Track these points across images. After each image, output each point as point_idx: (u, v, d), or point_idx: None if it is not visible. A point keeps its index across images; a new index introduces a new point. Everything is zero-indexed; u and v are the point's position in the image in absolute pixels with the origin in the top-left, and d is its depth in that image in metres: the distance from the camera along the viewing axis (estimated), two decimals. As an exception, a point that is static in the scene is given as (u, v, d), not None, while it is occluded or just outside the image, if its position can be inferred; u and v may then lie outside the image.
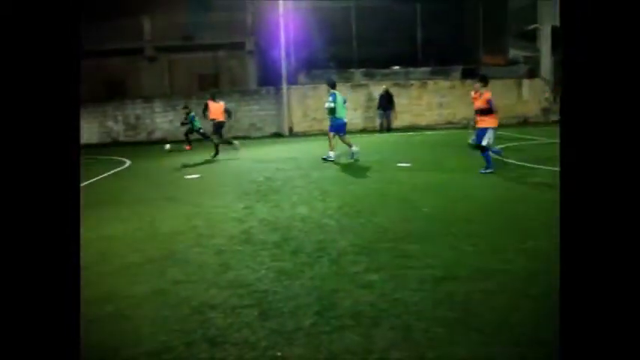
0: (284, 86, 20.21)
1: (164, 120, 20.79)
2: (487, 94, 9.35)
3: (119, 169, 13.08)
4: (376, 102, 21.17)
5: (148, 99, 21.04)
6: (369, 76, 22.15)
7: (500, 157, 10.30)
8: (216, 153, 13.68)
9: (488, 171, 9.29)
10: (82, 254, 5.35)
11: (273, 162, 11.97)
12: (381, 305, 3.68)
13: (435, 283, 4.05)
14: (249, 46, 22.10)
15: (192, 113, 16.26)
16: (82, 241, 5.80)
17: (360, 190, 8.23)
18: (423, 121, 21.70)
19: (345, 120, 11.84)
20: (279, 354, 3.09)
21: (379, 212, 6.57)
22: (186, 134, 16.43)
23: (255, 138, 19.67)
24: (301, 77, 21.77)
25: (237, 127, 20.49)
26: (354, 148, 11.76)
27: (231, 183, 9.48)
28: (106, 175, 11.98)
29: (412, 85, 21.82)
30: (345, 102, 11.87)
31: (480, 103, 9.40)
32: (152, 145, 19.28)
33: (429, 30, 22.51)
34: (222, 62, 22.77)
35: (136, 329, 3.56)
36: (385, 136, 19.38)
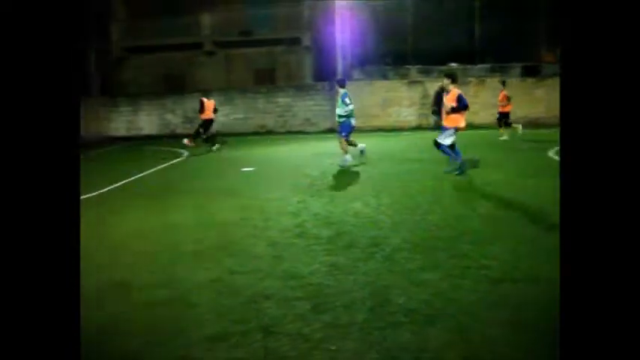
0: (338, 81, 20.23)
1: (220, 114, 21.21)
2: (456, 91, 8.92)
3: (177, 160, 13.51)
4: (431, 99, 20.85)
5: (205, 93, 21.55)
6: (425, 72, 21.81)
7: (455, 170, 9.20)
8: (213, 143, 15.08)
9: (454, 170, 8.97)
10: (143, 241, 5.57)
11: (327, 157, 12.01)
12: (435, 304, 3.65)
13: (490, 285, 3.97)
14: (305, 41, 22.23)
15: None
16: (143, 229, 6.06)
17: (414, 186, 8.14)
18: (476, 120, 21.19)
19: (355, 122, 10.86)
20: (333, 347, 3.11)
21: (434, 210, 6.48)
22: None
23: (309, 133, 19.81)
24: (356, 73, 21.71)
25: (291, 122, 20.70)
26: (348, 157, 10.66)
27: (285, 177, 9.61)
28: (164, 165, 12.40)
29: (470, 82, 21.33)
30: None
31: (448, 101, 8.94)
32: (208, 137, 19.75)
33: (488, 25, 21.91)
34: (279, 57, 23.00)
35: (194, 315, 3.68)
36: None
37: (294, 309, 3.68)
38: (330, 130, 19.60)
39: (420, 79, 21.60)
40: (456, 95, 8.76)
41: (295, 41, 22.16)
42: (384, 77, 21.61)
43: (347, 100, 10.43)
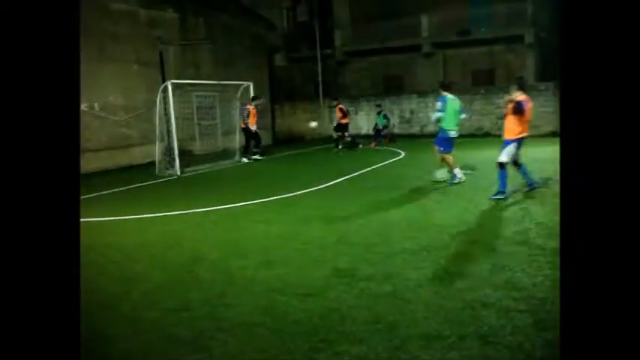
0: (566, 81, 18.48)
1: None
2: (518, 97, 7.41)
3: (395, 159, 13.93)
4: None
5: (422, 94, 21.70)
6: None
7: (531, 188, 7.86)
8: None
9: (497, 197, 7.42)
10: (361, 234, 5.86)
11: (550, 162, 11.07)
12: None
13: None
14: (528, 38, 20.80)
15: (384, 112, 19.00)
16: (362, 222, 6.39)
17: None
18: None
19: (454, 134, 9.12)
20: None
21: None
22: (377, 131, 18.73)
23: (529, 136, 18.56)
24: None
25: (509, 124, 19.63)
26: (458, 172, 9.25)
27: (504, 181, 9.16)
28: (383, 163, 12.89)
29: None
30: (460, 109, 9.18)
31: (507, 110, 7.54)
32: (424, 138, 19.90)
33: None
34: (498, 57, 21.98)
35: (410, 311, 3.78)
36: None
37: (514, 321, 3.53)
38: (553, 134, 18.13)
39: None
40: (515, 102, 7.44)
41: (517, 39, 20.90)
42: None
43: (437, 105, 9.04)
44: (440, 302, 3.91)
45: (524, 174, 7.89)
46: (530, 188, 7.86)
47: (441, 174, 9.45)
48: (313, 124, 15.07)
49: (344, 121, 17.11)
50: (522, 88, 7.71)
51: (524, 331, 3.38)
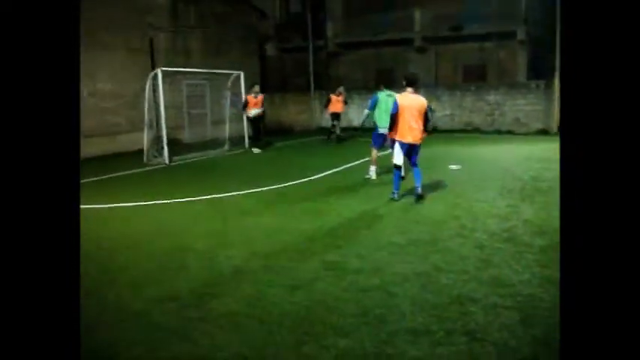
0: (556, 79, 18.56)
1: (426, 109, 21.23)
2: (398, 96, 7.23)
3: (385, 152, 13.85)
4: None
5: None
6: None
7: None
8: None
9: (392, 196, 7.42)
10: (351, 228, 5.82)
11: (539, 161, 11.16)
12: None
13: None
14: (520, 35, 20.81)
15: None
16: (351, 217, 6.34)
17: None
18: None
19: (382, 131, 8.95)
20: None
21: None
22: None
23: (518, 134, 18.66)
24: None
25: (500, 121, 19.72)
26: (372, 170, 9.51)
27: (493, 178, 9.19)
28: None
29: None
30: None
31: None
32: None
33: None
34: (490, 53, 21.99)
35: (398, 305, 3.79)
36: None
37: (501, 318, 3.55)
38: (543, 132, 18.26)
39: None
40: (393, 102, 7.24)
41: (509, 35, 20.94)
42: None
43: (369, 103, 9.50)
44: (427, 297, 3.92)
45: (396, 179, 7.49)
46: (391, 196, 7.51)
47: (372, 171, 9.56)
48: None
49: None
50: (411, 84, 7.17)
51: (511, 327, 3.40)
